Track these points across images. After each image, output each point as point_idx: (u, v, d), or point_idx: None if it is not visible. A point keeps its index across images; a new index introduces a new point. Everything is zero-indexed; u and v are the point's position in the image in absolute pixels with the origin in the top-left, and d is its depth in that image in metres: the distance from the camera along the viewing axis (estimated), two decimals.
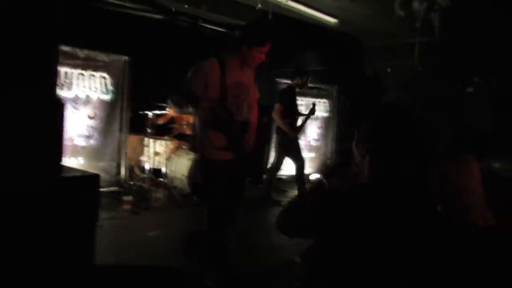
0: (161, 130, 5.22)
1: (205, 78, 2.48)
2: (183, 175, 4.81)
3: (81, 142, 4.69)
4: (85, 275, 1.45)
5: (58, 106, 1.71)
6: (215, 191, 2.59)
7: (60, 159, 1.69)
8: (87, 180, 1.53)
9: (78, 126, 4.63)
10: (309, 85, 6.68)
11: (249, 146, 2.71)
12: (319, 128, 6.85)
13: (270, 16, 4.75)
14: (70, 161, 4.46)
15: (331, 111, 6.97)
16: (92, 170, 4.70)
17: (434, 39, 5.63)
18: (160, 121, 5.25)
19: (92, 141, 4.76)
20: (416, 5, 5.41)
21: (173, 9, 5.74)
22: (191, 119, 5.66)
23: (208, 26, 6.18)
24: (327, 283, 1.26)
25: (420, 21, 5.53)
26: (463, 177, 1.43)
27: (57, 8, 1.74)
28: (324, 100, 6.90)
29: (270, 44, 2.57)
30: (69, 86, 4.52)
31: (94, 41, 4.80)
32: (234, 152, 2.60)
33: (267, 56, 2.63)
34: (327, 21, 5.91)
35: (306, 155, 6.72)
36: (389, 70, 6.77)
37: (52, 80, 1.77)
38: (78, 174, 1.58)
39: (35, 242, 1.50)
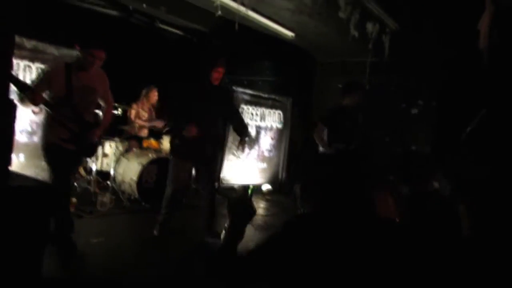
0: (111, 131, 5.02)
1: (48, 80, 2.94)
2: (132, 179, 4.67)
3: (23, 139, 4.39)
4: None
5: (10, 109, 1.60)
6: (55, 168, 3.01)
7: (8, 166, 1.58)
8: (40, 191, 1.43)
9: (21, 122, 4.33)
10: (263, 95, 6.80)
11: (90, 140, 3.20)
12: (272, 139, 6.94)
13: (236, 26, 4.75)
14: None
15: (284, 122, 7.09)
16: (33, 168, 4.42)
17: (384, 60, 5.94)
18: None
19: (35, 138, 4.47)
20: (369, 26, 5.69)
21: (130, 7, 5.59)
22: (141, 121, 5.54)
23: (166, 27, 6.08)
24: None
25: (372, 42, 5.83)
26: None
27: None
28: (279, 111, 7.01)
29: (101, 50, 3.04)
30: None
31: (43, 32, 4.55)
32: (76, 145, 3.06)
33: (103, 60, 3.08)
34: (284, 34, 6.04)
35: (258, 165, 6.79)
36: (340, 86, 7.03)
37: (4, 80, 1.66)
38: (29, 183, 1.48)
39: None
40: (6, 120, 1.51)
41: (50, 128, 3.04)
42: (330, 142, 4.13)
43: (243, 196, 1.39)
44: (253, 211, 1.38)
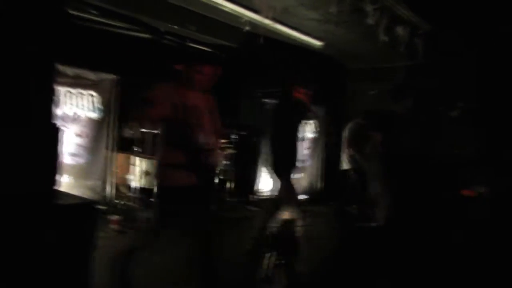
0: (152, 149, 5.21)
1: (158, 98, 2.55)
2: None
3: (69, 161, 4.65)
4: None
5: (55, 132, 1.72)
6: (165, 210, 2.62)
7: (55, 186, 1.70)
8: (85, 208, 1.54)
9: (66, 145, 4.59)
10: None
11: (210, 167, 2.73)
12: (307, 148, 6.93)
13: (261, 39, 4.83)
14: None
15: (318, 131, 7.07)
16: (79, 188, 4.66)
17: (417, 63, 5.82)
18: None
19: (79, 160, 4.73)
20: (399, 30, 5.61)
21: (162, 29, 5.81)
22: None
23: (196, 46, 6.26)
24: None
25: (403, 45, 5.73)
26: None
27: (56, 28, 1.75)
28: (312, 121, 7.00)
29: (211, 67, 2.67)
30: (57, 104, 4.51)
31: (83, 59, 4.81)
32: (198, 176, 2.59)
33: (213, 78, 2.71)
34: (312, 43, 6.07)
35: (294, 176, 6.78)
36: (372, 92, 6.95)
37: (50, 104, 1.78)
38: (76, 201, 1.59)
39: (28, 274, 1.49)
40: (51, 144, 1.63)
41: (164, 156, 2.64)
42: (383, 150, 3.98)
43: (286, 229, 1.35)
44: (298, 242, 1.36)
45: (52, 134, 1.69)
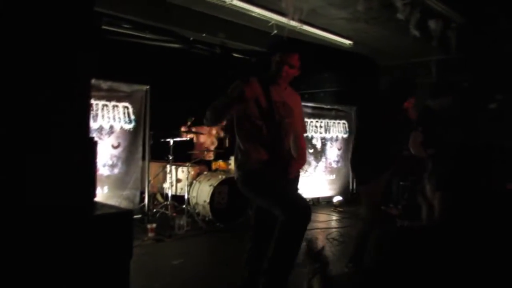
0: (182, 157, 5.29)
1: (243, 94, 2.33)
2: (205, 201, 4.84)
3: (106, 172, 4.77)
4: None
5: (91, 145, 1.77)
6: (272, 188, 2.37)
7: (93, 197, 1.74)
8: (121, 218, 1.57)
9: (103, 156, 4.73)
10: (325, 106, 6.74)
11: (293, 175, 2.51)
12: (339, 149, 6.82)
13: (283, 40, 4.81)
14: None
15: (350, 131, 6.95)
16: (116, 198, 4.78)
17: (451, 57, 5.62)
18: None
19: (116, 170, 4.85)
20: (432, 24, 5.43)
21: (191, 38, 5.91)
22: (209, 144, 5.77)
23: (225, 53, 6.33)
24: None
25: (436, 39, 5.54)
26: None
27: (90, 43, 1.79)
28: (343, 121, 6.89)
29: (298, 57, 2.51)
30: (94, 118, 4.65)
31: (117, 72, 4.94)
32: (281, 171, 2.40)
33: (298, 70, 2.54)
34: (341, 43, 5.98)
35: (327, 177, 6.69)
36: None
37: (86, 118, 1.83)
38: (112, 211, 1.63)
39: (67, 282, 1.53)
40: (89, 157, 1.67)
41: (249, 151, 2.44)
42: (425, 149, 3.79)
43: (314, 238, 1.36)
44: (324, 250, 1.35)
45: (89, 148, 1.74)
